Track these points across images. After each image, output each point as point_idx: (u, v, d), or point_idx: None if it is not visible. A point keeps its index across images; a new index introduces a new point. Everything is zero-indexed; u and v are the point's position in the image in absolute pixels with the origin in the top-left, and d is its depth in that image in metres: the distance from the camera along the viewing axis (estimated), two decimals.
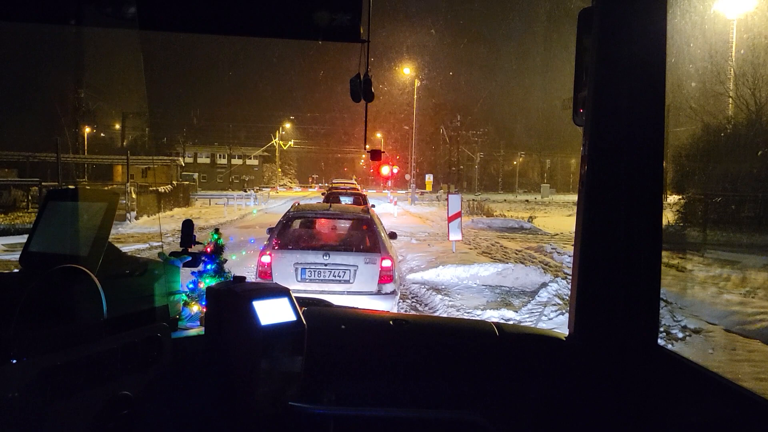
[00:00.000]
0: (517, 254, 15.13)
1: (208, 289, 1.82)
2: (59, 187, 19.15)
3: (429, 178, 51.97)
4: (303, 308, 1.80)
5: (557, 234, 22.15)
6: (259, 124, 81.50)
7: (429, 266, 12.14)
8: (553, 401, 1.77)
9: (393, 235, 8.80)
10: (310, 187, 73.73)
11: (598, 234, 1.76)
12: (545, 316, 8.16)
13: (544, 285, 10.02)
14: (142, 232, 19.12)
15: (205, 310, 1.96)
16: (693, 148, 19.95)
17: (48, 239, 2.11)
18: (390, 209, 30.99)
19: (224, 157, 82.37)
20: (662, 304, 8.15)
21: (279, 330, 1.62)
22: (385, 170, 32.84)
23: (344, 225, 8.63)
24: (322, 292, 6.67)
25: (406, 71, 46.55)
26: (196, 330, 2.05)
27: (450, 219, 14.48)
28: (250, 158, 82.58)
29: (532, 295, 9.59)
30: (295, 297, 1.77)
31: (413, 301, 9.51)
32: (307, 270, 7.06)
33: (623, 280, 1.71)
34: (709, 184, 18.56)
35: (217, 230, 2.45)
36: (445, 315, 8.19)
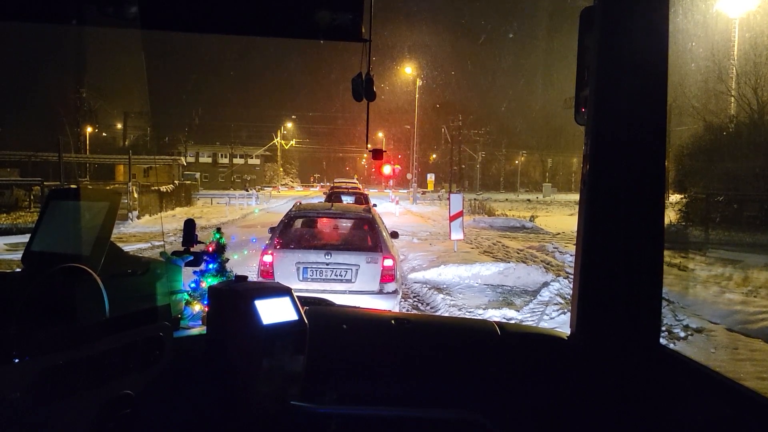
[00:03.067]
0: (518, 253, 15.12)
1: (210, 288, 1.82)
2: (61, 187, 19.19)
3: (431, 178, 51.97)
4: (305, 307, 1.80)
5: (559, 233, 22.13)
6: (260, 124, 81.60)
7: (430, 265, 12.14)
8: (555, 401, 1.77)
9: (395, 235, 8.80)
10: (312, 186, 73.72)
11: (599, 233, 1.76)
12: (547, 315, 8.16)
13: (545, 284, 10.01)
14: (144, 231, 19.14)
15: (207, 309, 1.96)
16: (695, 147, 19.93)
17: (50, 239, 2.11)
18: (392, 208, 30.97)
19: (226, 157, 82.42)
20: (664, 303, 8.15)
21: (281, 329, 1.62)
22: (386, 169, 32.84)
23: (346, 224, 8.63)
24: (323, 291, 6.67)
25: (408, 70, 46.50)
26: (198, 329, 2.05)
27: (451, 218, 14.47)
28: (252, 158, 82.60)
29: (534, 294, 9.59)
30: (297, 296, 1.77)
31: (415, 301, 9.51)
32: (308, 269, 7.06)
33: (625, 279, 1.71)
34: (711, 183, 18.54)
35: (219, 229, 2.45)
36: (446, 314, 8.19)
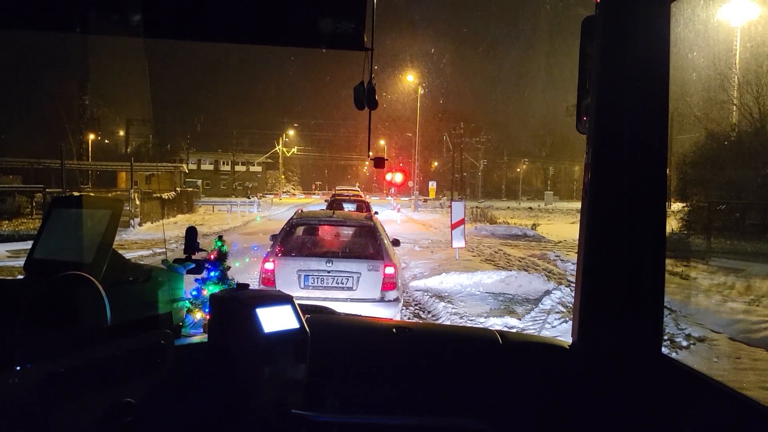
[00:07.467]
0: (520, 262, 15.10)
1: (212, 296, 1.82)
2: (63, 195, 19.21)
3: (432, 185, 52.02)
4: (306, 315, 1.80)
5: (561, 241, 22.11)
6: (262, 131, 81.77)
7: (432, 273, 12.13)
8: (557, 409, 1.76)
9: (396, 242, 8.80)
10: (314, 194, 73.76)
11: (601, 241, 1.75)
12: (549, 323, 8.14)
13: (547, 293, 9.99)
14: (146, 238, 19.15)
15: (208, 317, 1.96)
16: (697, 155, 19.92)
17: (52, 246, 2.11)
18: (393, 216, 30.97)
19: (228, 164, 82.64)
20: (666, 312, 8.13)
21: (282, 337, 1.62)
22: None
23: (347, 232, 8.63)
24: (325, 299, 6.67)
25: (410, 79, 46.71)
26: (200, 337, 2.05)
27: (453, 226, 14.47)
28: (254, 165, 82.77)
29: (536, 302, 9.57)
30: (298, 304, 1.77)
31: (416, 309, 9.49)
32: (310, 277, 7.06)
33: (627, 287, 1.70)
34: (713, 191, 18.53)
35: (220, 237, 2.46)
36: (448, 323, 8.18)
